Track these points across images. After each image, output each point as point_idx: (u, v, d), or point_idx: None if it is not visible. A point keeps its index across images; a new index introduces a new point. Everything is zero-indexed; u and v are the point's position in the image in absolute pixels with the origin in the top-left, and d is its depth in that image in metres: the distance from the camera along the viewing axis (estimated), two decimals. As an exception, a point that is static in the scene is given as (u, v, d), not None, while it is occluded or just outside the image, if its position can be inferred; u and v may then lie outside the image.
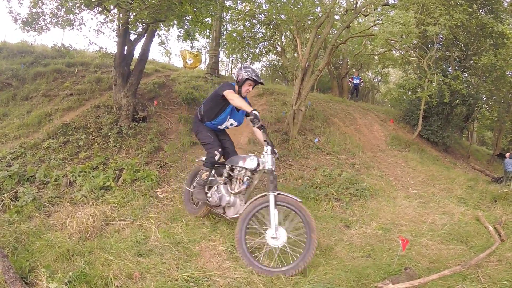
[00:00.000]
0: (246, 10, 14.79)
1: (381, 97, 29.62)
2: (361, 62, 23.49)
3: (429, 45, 14.21)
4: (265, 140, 4.93)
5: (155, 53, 69.41)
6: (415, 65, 16.25)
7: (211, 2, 8.92)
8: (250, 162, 4.99)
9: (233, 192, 5.12)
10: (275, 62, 23.92)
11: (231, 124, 5.53)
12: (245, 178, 5.02)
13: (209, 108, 5.34)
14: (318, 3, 12.01)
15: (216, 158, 5.25)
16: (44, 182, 6.67)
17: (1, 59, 12.43)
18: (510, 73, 16.42)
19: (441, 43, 14.78)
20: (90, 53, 14.02)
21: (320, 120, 12.16)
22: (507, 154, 8.58)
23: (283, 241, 4.38)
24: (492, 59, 12.40)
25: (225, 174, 5.35)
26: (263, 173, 5.02)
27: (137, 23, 9.29)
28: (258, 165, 4.96)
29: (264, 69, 25.97)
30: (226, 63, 27.00)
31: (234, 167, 5.29)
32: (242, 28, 15.40)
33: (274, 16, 13.42)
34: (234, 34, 15.31)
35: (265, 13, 13.86)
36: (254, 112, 4.57)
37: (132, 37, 9.42)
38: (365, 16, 13.05)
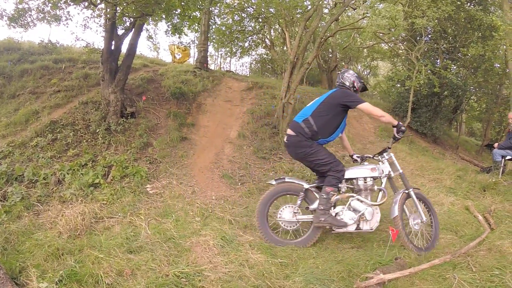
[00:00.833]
0: (235, 4, 14.70)
1: (370, 90, 29.75)
2: (350, 55, 23.52)
3: (418, 38, 14.24)
4: (389, 148, 5.17)
5: (143, 48, 68.96)
6: (403, 57, 16.31)
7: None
8: (381, 169, 5.04)
9: (377, 203, 4.91)
10: (264, 55, 23.90)
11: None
12: (382, 186, 5.01)
13: (326, 122, 4.72)
14: (307, -4, 12.01)
15: (344, 174, 4.85)
16: (33, 181, 6.64)
17: (-13, 57, 12.25)
18: (498, 65, 16.62)
19: (429, 36, 14.82)
20: (77, 49, 13.82)
21: (309, 113, 12.11)
22: (495, 145, 8.63)
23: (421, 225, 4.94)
24: (480, 50, 12.45)
25: (344, 189, 4.99)
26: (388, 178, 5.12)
27: (125, 17, 9.20)
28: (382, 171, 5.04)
29: (254, 62, 25.97)
30: (215, 57, 26.87)
31: (356, 179, 4.98)
32: (231, 22, 15.31)
33: (263, 10, 13.37)
34: (223, 28, 15.22)
35: (254, 7, 13.79)
36: (401, 125, 4.68)
37: (120, 31, 9.35)
38: (354, 9, 13.06)
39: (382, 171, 5.02)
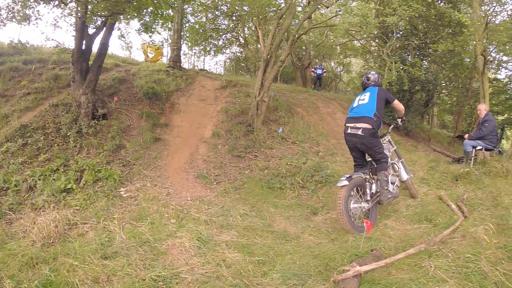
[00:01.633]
0: (209, 2, 14.66)
1: (343, 86, 30.12)
2: (324, 53, 23.72)
3: (389, 35, 14.53)
4: (389, 132, 6.53)
5: (115, 47, 67.69)
6: (375, 54, 16.62)
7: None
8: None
9: (396, 173, 6.29)
10: (239, 53, 23.85)
11: None
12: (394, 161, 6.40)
13: (380, 117, 5.61)
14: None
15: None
16: (4, 189, 6.51)
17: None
18: (468, 59, 17.13)
19: (400, 33, 15.14)
20: (48, 49, 13.56)
21: (283, 110, 12.23)
22: (466, 136, 8.85)
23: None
24: (449, 46, 12.80)
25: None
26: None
27: (95, 16, 9.02)
28: None
29: (228, 61, 25.89)
30: (189, 55, 26.62)
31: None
32: (204, 20, 15.26)
33: (236, 8, 13.39)
34: (197, 26, 15.15)
35: (228, 5, 13.80)
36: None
37: (91, 31, 9.17)
38: (327, 7, 13.20)
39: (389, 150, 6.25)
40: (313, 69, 20.88)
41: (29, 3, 7.73)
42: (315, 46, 21.12)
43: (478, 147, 8.55)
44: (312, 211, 6.62)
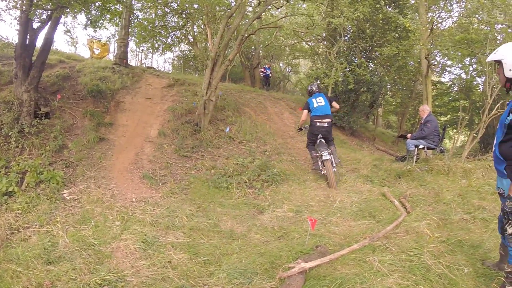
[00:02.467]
0: (159, -2, 14.42)
1: (291, 87, 30.69)
2: (273, 53, 24.06)
3: (337, 38, 14.99)
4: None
5: (61, 43, 64.53)
6: (323, 56, 17.07)
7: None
8: None
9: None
10: (187, 52, 23.64)
11: None
12: None
13: None
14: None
15: None
16: None
17: None
18: (413, 63, 18.09)
19: (348, 36, 15.60)
20: (-11, 43, 12.83)
21: (231, 109, 12.33)
22: (408, 135, 9.24)
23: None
24: (394, 50, 13.39)
25: None
26: None
27: (40, 9, 8.66)
28: None
29: (176, 59, 25.58)
30: (136, 52, 26.02)
31: None
32: (153, 17, 15.03)
33: (186, 5, 13.30)
34: (145, 23, 14.86)
35: (178, 2, 13.68)
36: None
37: (35, 25, 8.78)
38: (278, 8, 13.44)
39: None
40: (262, 69, 21.16)
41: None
42: (264, 46, 21.39)
43: (421, 146, 8.87)
44: (258, 210, 6.73)
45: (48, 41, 9.06)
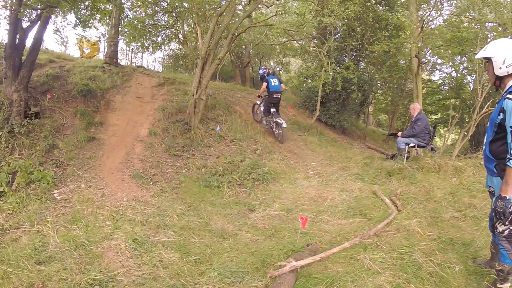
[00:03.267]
0: (149, -3, 14.34)
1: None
2: (263, 52, 24.02)
3: (328, 36, 15.02)
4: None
5: (50, 42, 63.79)
6: (314, 55, 17.12)
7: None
8: None
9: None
10: (178, 50, 23.47)
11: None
12: None
13: None
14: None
15: None
16: None
17: None
18: (403, 61, 17.96)
19: (338, 34, 15.57)
20: (-21, 43, 12.65)
21: (222, 108, 12.29)
22: (399, 133, 9.26)
23: None
24: (384, 48, 13.37)
25: None
26: None
27: (29, 9, 8.61)
28: None
29: (166, 58, 25.45)
30: (126, 51, 25.78)
31: None
32: (143, 15, 14.94)
33: (176, 4, 13.27)
34: (135, 22, 14.77)
35: (168, 0, 13.64)
36: None
37: (25, 24, 8.72)
38: (268, 7, 13.44)
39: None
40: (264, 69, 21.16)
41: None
42: (254, 45, 21.39)
43: (411, 144, 8.87)
44: (249, 209, 6.72)
45: (38, 40, 9.01)
